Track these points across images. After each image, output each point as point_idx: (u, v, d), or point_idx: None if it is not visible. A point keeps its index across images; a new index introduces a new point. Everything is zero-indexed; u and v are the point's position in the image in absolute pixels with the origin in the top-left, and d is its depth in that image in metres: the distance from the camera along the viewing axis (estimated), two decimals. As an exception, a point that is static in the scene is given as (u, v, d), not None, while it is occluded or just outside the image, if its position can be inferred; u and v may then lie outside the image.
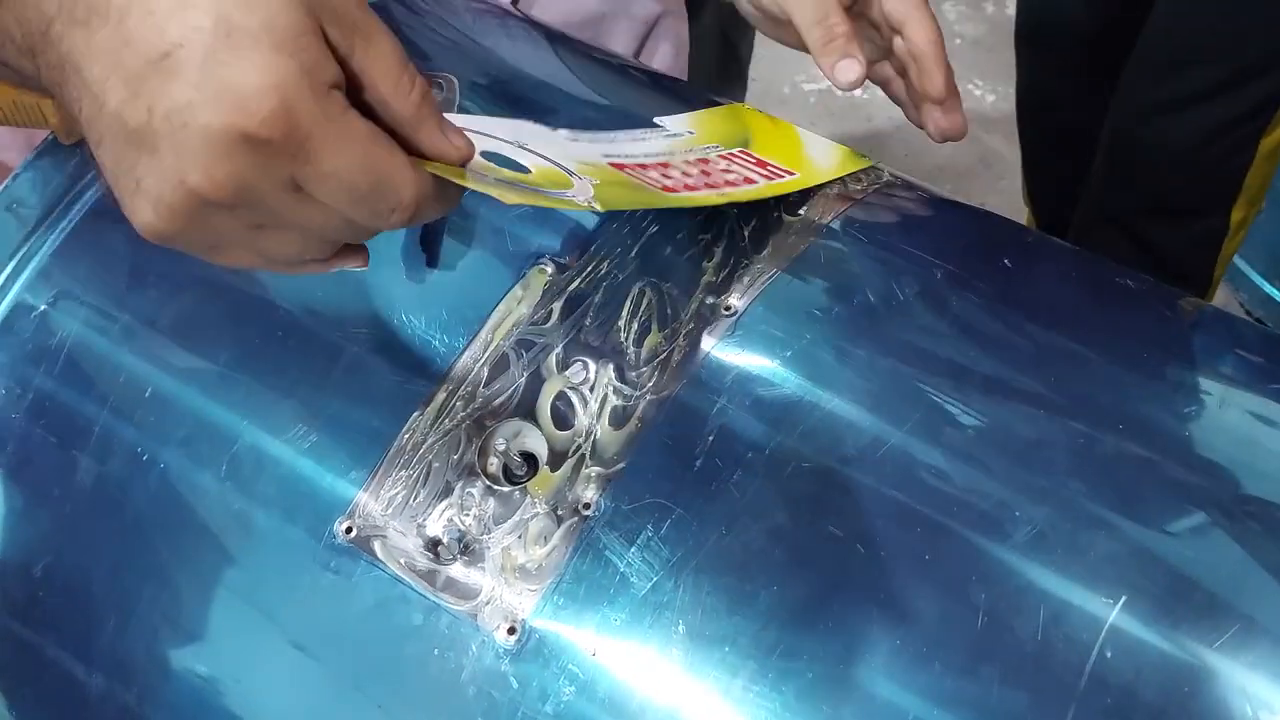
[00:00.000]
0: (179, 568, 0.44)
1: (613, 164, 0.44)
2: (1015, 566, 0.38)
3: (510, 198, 0.37)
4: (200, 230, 0.33)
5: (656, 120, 0.51)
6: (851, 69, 0.50)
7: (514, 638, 0.39)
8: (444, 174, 0.35)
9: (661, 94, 0.58)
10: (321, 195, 0.33)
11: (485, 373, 0.43)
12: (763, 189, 0.47)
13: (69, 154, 0.50)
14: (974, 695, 0.36)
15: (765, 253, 0.45)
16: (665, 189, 0.43)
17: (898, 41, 0.54)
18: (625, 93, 0.58)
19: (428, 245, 0.46)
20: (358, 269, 0.38)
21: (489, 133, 0.40)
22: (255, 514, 0.43)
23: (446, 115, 0.36)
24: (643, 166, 0.46)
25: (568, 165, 0.42)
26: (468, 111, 0.50)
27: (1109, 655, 0.36)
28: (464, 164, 0.36)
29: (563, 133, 0.46)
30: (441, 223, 0.46)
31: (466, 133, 0.36)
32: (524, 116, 0.47)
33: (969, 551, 0.38)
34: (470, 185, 0.36)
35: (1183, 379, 0.44)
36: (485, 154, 0.37)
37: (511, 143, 0.41)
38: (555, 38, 0.60)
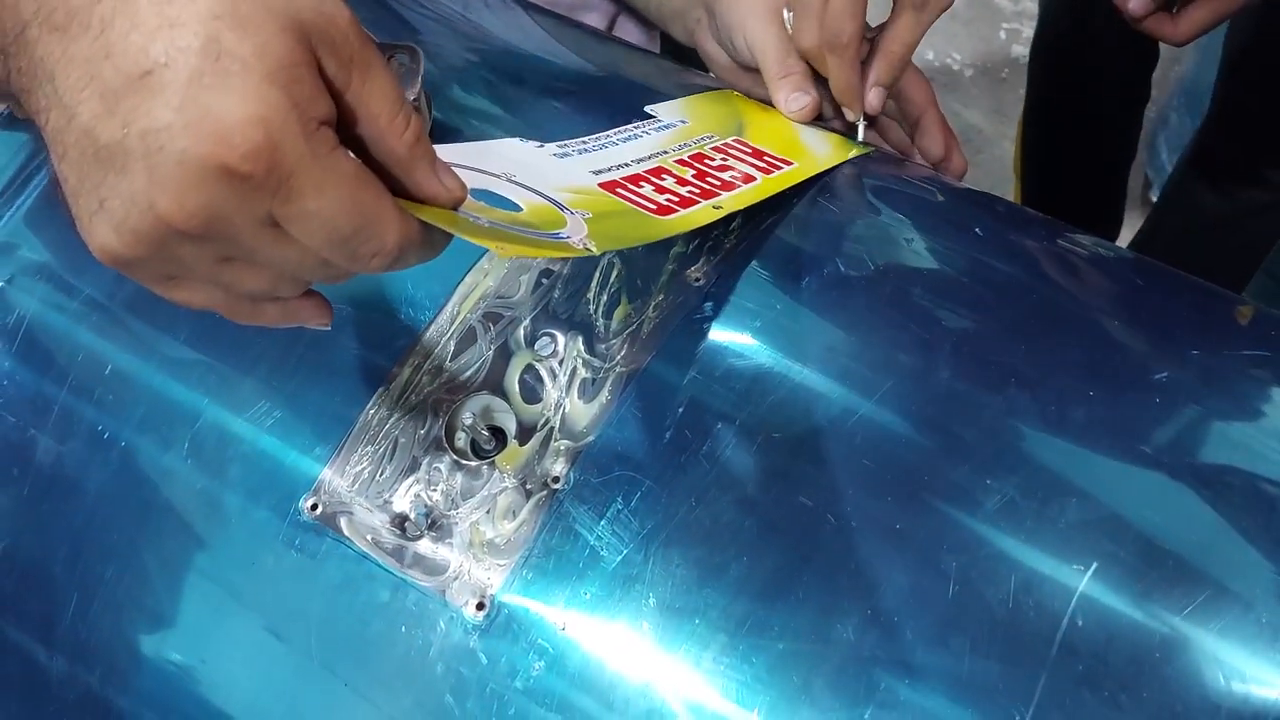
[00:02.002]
0: (141, 548, 0.43)
1: (603, 184, 0.43)
2: (986, 535, 0.38)
3: (504, 249, 0.35)
4: (161, 260, 0.31)
5: (648, 109, 0.50)
6: (800, 100, 0.53)
7: (483, 613, 0.39)
8: (434, 220, 0.33)
9: (652, 75, 0.57)
10: (300, 235, 0.31)
11: (452, 346, 0.43)
12: (762, 186, 0.46)
13: (23, 129, 0.49)
14: (945, 665, 0.36)
15: (735, 223, 0.45)
16: (660, 209, 0.42)
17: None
18: (617, 76, 0.57)
19: None
20: (319, 328, 0.36)
21: (478, 166, 0.39)
22: (218, 492, 0.42)
23: (435, 146, 0.34)
24: (635, 181, 0.44)
25: (558, 198, 0.40)
26: (457, 101, 0.49)
27: (1080, 623, 0.36)
28: (455, 206, 0.34)
29: (550, 148, 0.44)
30: None
31: (456, 169, 0.35)
32: (510, 118, 0.45)
33: (940, 521, 0.38)
34: (461, 234, 0.34)
35: (1154, 345, 0.44)
36: (475, 192, 0.36)
37: (500, 176, 0.40)
38: (538, 12, 0.59)
